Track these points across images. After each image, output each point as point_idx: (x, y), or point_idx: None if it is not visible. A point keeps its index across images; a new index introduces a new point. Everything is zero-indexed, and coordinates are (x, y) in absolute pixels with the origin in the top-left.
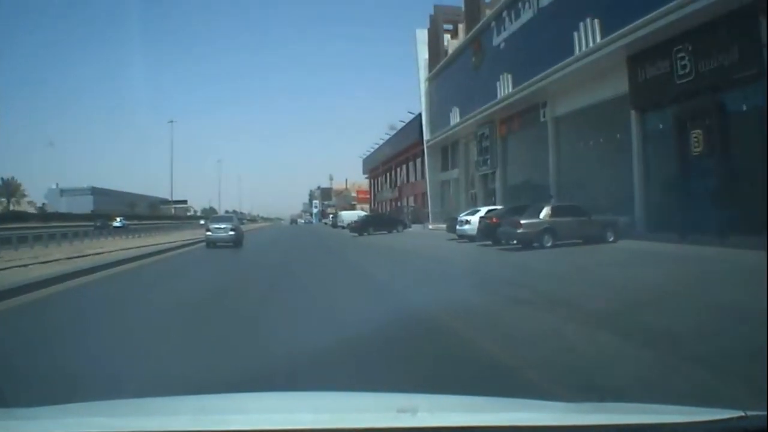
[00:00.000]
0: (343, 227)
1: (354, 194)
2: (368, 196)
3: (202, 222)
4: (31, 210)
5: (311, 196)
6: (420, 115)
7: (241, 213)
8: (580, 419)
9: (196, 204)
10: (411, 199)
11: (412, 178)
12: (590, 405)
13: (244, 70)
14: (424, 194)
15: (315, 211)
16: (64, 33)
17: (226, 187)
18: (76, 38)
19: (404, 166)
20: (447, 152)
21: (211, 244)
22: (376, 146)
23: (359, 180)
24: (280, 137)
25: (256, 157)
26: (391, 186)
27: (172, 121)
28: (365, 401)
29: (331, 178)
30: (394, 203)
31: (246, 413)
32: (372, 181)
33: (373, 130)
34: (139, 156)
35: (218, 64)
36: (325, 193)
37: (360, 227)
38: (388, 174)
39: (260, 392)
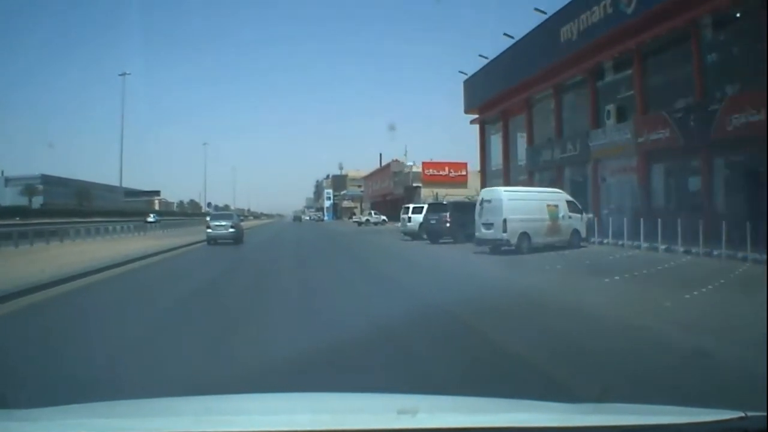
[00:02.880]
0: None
1: (417, 169)
2: (455, 173)
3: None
4: None
5: (318, 187)
6: None
7: (238, 209)
8: (580, 420)
9: (177, 196)
10: None
11: None
12: (590, 405)
13: (238, 64)
14: None
15: (328, 203)
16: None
17: (219, 181)
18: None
19: None
20: None
21: (212, 241)
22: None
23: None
24: (279, 131)
25: (254, 151)
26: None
27: (124, 74)
28: (365, 402)
29: (340, 167)
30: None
31: (247, 414)
32: (488, 128)
33: (376, 126)
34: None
35: (210, 60)
36: (338, 182)
37: None
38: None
39: (261, 393)
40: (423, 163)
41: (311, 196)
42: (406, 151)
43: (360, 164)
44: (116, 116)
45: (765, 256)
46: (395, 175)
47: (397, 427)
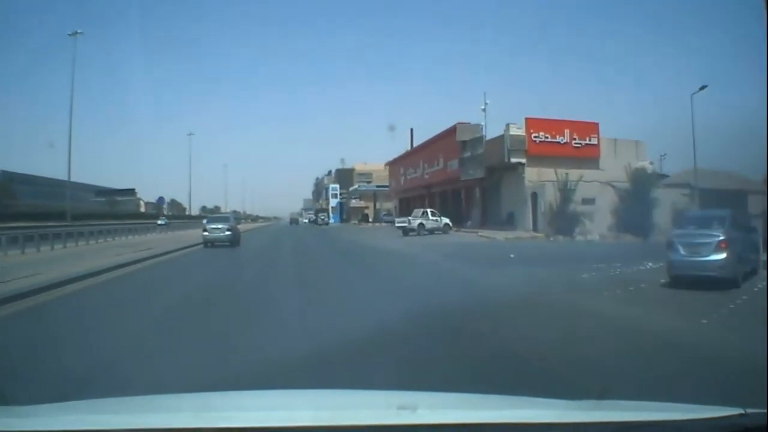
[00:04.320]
0: None
1: (518, 131)
2: (580, 140)
3: (204, 221)
4: None
5: (318, 186)
6: None
7: (234, 211)
8: (581, 416)
9: (155, 195)
10: None
11: None
12: (590, 402)
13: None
14: None
15: (334, 202)
16: None
17: (207, 180)
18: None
19: None
20: None
21: (209, 243)
22: None
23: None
24: (274, 128)
25: (246, 150)
26: None
27: (75, 33)
28: (365, 398)
29: (342, 162)
30: None
31: (247, 410)
32: None
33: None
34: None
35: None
36: (343, 177)
37: None
38: None
39: (261, 390)
40: (527, 120)
41: (309, 196)
42: (485, 105)
43: (365, 158)
44: (97, 109)
45: None
46: (466, 147)
47: (398, 422)
